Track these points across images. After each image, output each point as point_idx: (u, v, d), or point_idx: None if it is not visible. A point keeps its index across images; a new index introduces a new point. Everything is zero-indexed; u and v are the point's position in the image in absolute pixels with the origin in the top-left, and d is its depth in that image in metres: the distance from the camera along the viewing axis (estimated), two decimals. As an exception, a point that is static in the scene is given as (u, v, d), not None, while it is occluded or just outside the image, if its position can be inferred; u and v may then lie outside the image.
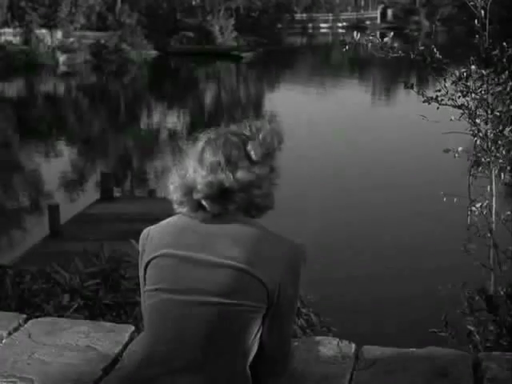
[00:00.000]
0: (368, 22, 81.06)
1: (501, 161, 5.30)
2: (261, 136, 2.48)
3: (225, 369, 2.25)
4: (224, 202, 2.32)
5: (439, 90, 5.30)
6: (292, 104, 33.74)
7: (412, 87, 5.48)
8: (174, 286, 2.32)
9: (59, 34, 54.26)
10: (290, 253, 2.34)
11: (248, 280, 2.25)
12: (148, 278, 2.41)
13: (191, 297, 2.28)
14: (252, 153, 2.38)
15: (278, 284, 2.28)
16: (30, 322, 3.67)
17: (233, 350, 2.27)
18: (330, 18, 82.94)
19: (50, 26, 53.65)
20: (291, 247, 2.35)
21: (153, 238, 2.44)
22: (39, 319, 3.75)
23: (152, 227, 2.49)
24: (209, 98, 42.25)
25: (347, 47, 5.59)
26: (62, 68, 50.46)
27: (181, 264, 2.33)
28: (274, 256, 2.30)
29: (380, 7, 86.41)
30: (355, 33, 5.57)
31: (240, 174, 2.32)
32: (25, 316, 3.79)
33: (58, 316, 4.50)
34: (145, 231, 2.49)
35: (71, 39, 53.67)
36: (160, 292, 2.34)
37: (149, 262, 2.41)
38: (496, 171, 5.41)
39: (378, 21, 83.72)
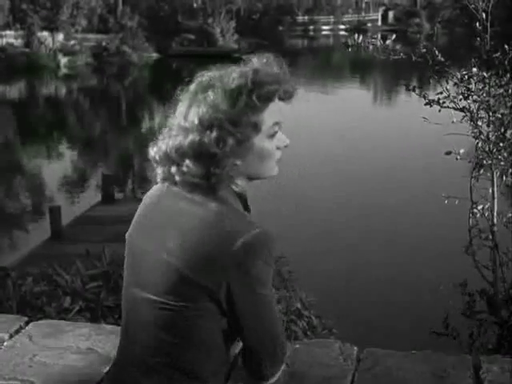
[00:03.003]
0: (369, 25, 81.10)
1: (502, 163, 5.30)
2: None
3: (180, 372, 2.01)
4: (187, 172, 1.93)
5: (441, 93, 5.30)
6: (293, 106, 33.67)
7: (414, 89, 5.49)
8: (132, 277, 2.09)
9: (60, 37, 54.28)
10: (240, 249, 1.88)
11: (184, 281, 1.92)
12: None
13: (141, 292, 2.03)
14: (231, 111, 1.90)
15: (226, 284, 1.90)
16: (31, 324, 3.67)
17: (184, 352, 2.00)
18: (332, 20, 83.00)
19: (52, 28, 53.68)
20: (244, 241, 1.89)
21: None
22: (40, 322, 3.75)
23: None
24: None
25: (349, 49, 5.60)
26: (64, 70, 50.49)
27: (136, 253, 2.09)
28: (219, 253, 1.89)
29: (381, 9, 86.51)
30: (357, 35, 5.57)
31: (207, 137, 1.89)
32: (26, 318, 3.79)
33: (60, 318, 4.51)
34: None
35: (72, 42, 53.70)
36: (125, 282, 2.14)
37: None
38: (498, 173, 5.42)
39: (379, 23, 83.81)
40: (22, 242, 15.69)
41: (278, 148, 2.03)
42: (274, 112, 1.99)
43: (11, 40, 52.26)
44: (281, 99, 2.03)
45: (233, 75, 1.94)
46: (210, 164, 1.90)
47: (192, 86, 1.98)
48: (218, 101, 1.90)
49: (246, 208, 2.07)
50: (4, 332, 3.55)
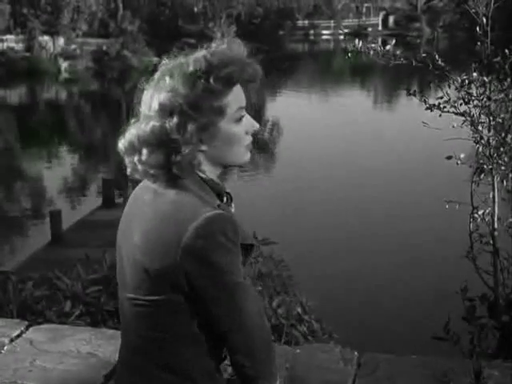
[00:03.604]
0: (370, 29, 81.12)
1: (503, 168, 5.30)
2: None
3: (168, 371, 1.96)
4: (145, 160, 1.89)
5: (441, 97, 5.30)
6: (293, 111, 33.74)
7: (414, 94, 5.48)
8: (119, 279, 2.08)
9: (61, 41, 54.31)
10: (192, 235, 1.82)
11: (147, 274, 1.89)
12: None
13: (124, 293, 2.02)
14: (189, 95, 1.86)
15: (183, 273, 1.83)
16: (31, 328, 3.67)
17: (166, 349, 1.94)
18: (332, 24, 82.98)
19: (52, 32, 53.71)
20: (196, 226, 1.82)
21: None
22: (41, 326, 3.75)
23: None
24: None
25: (350, 55, 5.60)
26: (64, 74, 50.52)
27: (120, 254, 2.06)
28: (173, 242, 1.83)
29: (381, 14, 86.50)
30: (357, 40, 5.57)
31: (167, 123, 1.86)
32: (26, 323, 3.79)
33: (60, 323, 4.51)
34: None
35: (73, 46, 53.73)
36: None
37: None
38: (498, 178, 5.41)
39: (380, 27, 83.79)
40: (22, 246, 15.70)
41: (247, 133, 1.99)
42: (238, 96, 1.96)
43: (12, 44, 52.31)
44: (244, 83, 2.00)
45: (191, 60, 1.91)
46: (171, 151, 1.87)
47: (155, 74, 1.97)
48: (178, 86, 1.87)
49: (222, 197, 2.01)
50: (4, 336, 3.55)
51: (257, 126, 2.02)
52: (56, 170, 24.02)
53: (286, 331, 5.05)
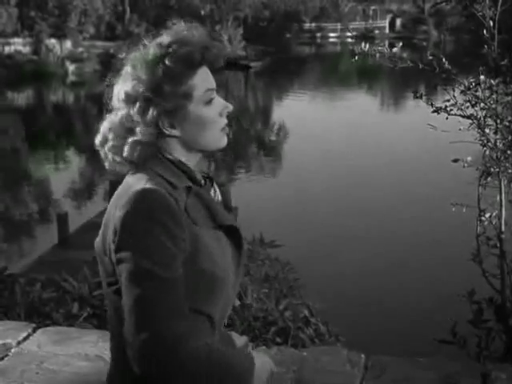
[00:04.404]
0: (377, 32, 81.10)
1: (510, 171, 5.29)
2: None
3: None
4: (111, 147, 1.91)
5: (448, 100, 5.30)
6: (300, 113, 33.75)
7: (421, 97, 5.48)
8: None
9: (68, 44, 54.44)
10: (122, 208, 1.77)
11: (101, 259, 1.87)
12: None
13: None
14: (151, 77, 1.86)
15: (114, 250, 1.78)
16: (39, 331, 3.68)
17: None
18: (339, 27, 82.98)
19: (60, 35, 53.85)
20: (126, 199, 1.78)
21: None
22: (48, 328, 3.76)
23: None
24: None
25: (356, 57, 5.60)
26: (71, 77, 50.64)
27: None
28: (110, 222, 1.82)
29: (388, 17, 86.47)
30: (363, 43, 5.58)
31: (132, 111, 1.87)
32: (34, 325, 3.80)
33: (68, 325, 4.52)
34: None
35: (80, 49, 53.86)
36: None
37: None
38: (505, 181, 5.41)
39: (387, 30, 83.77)
40: (29, 249, 15.74)
41: (220, 115, 1.96)
42: (204, 78, 1.93)
43: (19, 47, 52.45)
44: (208, 65, 1.95)
45: (150, 47, 1.91)
46: (131, 135, 1.87)
47: (123, 68, 1.96)
48: (140, 74, 1.87)
49: (196, 179, 1.93)
50: (12, 339, 3.56)
51: (230, 106, 1.98)
52: (63, 173, 24.07)
53: (292, 334, 5.05)
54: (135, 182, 1.84)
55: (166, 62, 1.86)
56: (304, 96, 41.10)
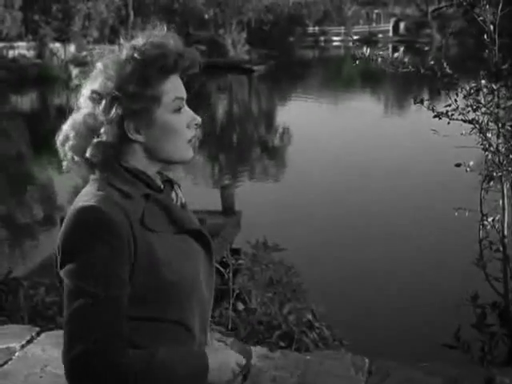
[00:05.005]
0: (380, 35, 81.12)
1: (513, 175, 5.30)
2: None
3: None
4: (71, 146, 1.90)
5: (449, 105, 5.30)
6: (303, 117, 33.75)
7: (422, 102, 5.48)
8: None
9: (72, 48, 54.56)
10: (63, 225, 1.81)
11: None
12: None
13: None
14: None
15: (59, 267, 1.81)
16: (43, 334, 3.69)
17: None
18: (342, 31, 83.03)
19: (64, 39, 53.96)
20: (65, 221, 1.81)
21: None
22: (52, 332, 3.76)
23: None
24: (220, 111, 42.35)
25: (357, 62, 5.61)
26: (75, 81, 50.61)
27: None
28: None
29: (392, 20, 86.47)
30: (365, 48, 5.58)
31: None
32: (38, 329, 3.81)
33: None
34: None
35: (84, 53, 53.93)
36: None
37: None
38: (508, 185, 5.41)
39: (390, 34, 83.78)
40: (33, 252, 15.74)
41: (188, 127, 1.90)
42: (175, 86, 1.89)
43: (23, 51, 52.54)
44: (181, 73, 1.93)
45: (123, 48, 1.88)
46: (94, 135, 1.82)
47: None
48: (110, 71, 1.84)
49: (155, 186, 1.90)
50: (15, 343, 3.57)
51: (198, 119, 1.93)
52: (67, 177, 23.98)
53: (296, 338, 5.05)
54: (83, 195, 1.84)
55: (138, 63, 1.82)
56: (307, 100, 41.10)
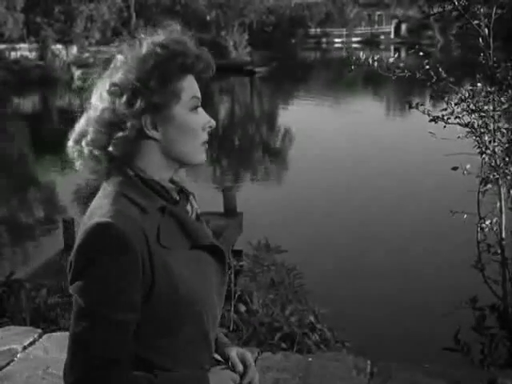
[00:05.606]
0: (382, 37, 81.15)
1: (509, 177, 5.30)
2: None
3: None
4: (90, 140, 1.83)
5: (445, 109, 5.30)
6: (305, 118, 33.75)
7: (417, 107, 5.48)
8: None
9: (74, 49, 54.63)
10: (77, 243, 1.72)
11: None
12: None
13: None
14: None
15: (69, 281, 1.72)
16: (45, 336, 3.69)
17: None
18: (344, 32, 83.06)
19: (66, 41, 54.05)
20: (81, 233, 1.73)
21: None
22: (54, 334, 3.77)
23: None
24: (223, 113, 42.36)
25: (353, 67, 5.63)
26: (77, 83, 50.68)
27: None
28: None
29: (394, 22, 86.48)
30: (361, 53, 5.59)
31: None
32: (40, 330, 3.81)
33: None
34: None
35: (86, 54, 53.99)
36: None
37: None
38: (505, 188, 5.41)
39: (392, 36, 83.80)
40: (35, 254, 15.75)
41: (203, 129, 1.87)
42: (192, 85, 1.86)
43: (25, 53, 52.63)
44: (196, 75, 1.89)
45: (144, 43, 1.84)
46: (116, 128, 1.77)
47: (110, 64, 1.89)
48: (131, 64, 1.81)
49: (171, 197, 1.85)
50: (17, 344, 3.57)
51: (213, 122, 1.90)
52: (69, 178, 24.08)
53: (298, 340, 5.05)
54: (98, 207, 1.77)
55: (159, 58, 1.79)
56: (309, 101, 41.10)
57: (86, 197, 1.94)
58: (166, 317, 1.75)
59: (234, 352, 2.01)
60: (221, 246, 1.93)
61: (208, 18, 65.53)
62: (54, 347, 3.55)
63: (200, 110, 1.88)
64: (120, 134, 1.76)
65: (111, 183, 1.81)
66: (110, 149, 1.77)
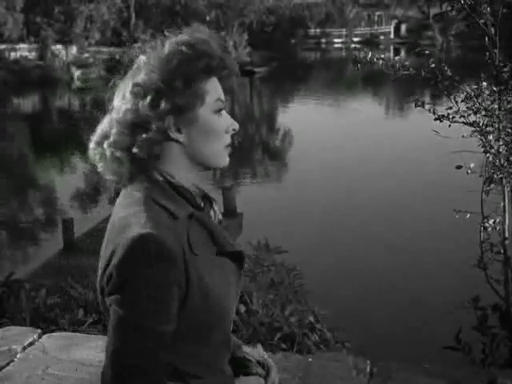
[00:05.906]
0: (382, 37, 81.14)
1: (513, 176, 5.29)
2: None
3: None
4: (112, 141, 1.78)
5: (450, 108, 5.30)
6: (305, 119, 33.76)
7: (423, 105, 5.47)
8: None
9: (74, 50, 54.63)
10: (116, 255, 1.67)
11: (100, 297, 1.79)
12: None
13: None
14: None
15: (107, 293, 1.71)
16: (44, 336, 3.68)
17: None
18: (344, 33, 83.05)
19: (65, 41, 54.05)
20: (122, 245, 1.66)
21: None
22: (54, 334, 3.76)
23: None
24: (223, 113, 42.33)
25: (358, 66, 5.62)
26: (77, 83, 50.75)
27: None
28: (105, 263, 1.71)
29: (394, 22, 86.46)
30: (367, 50, 5.59)
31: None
32: (39, 331, 3.80)
33: (73, 330, 4.52)
34: None
35: (86, 54, 54.02)
36: None
37: None
38: (509, 187, 5.41)
39: (392, 36, 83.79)
40: (35, 254, 15.77)
41: (226, 132, 1.85)
42: (216, 87, 1.83)
43: (25, 53, 52.64)
44: (220, 77, 1.85)
45: (167, 43, 1.81)
46: (140, 130, 1.73)
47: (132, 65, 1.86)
48: (154, 64, 1.77)
49: (196, 203, 1.83)
50: (17, 344, 3.57)
51: (236, 125, 1.88)
52: (68, 178, 24.11)
53: (298, 340, 5.05)
54: (132, 214, 1.72)
55: (184, 57, 1.76)
56: (309, 102, 41.11)
57: (109, 200, 1.90)
58: (197, 325, 1.75)
59: (256, 354, 2.03)
60: (244, 253, 1.92)
61: (208, 18, 65.50)
62: (53, 347, 3.54)
63: (224, 112, 1.85)
64: (144, 135, 1.73)
65: (138, 188, 1.78)
66: (134, 150, 1.74)
